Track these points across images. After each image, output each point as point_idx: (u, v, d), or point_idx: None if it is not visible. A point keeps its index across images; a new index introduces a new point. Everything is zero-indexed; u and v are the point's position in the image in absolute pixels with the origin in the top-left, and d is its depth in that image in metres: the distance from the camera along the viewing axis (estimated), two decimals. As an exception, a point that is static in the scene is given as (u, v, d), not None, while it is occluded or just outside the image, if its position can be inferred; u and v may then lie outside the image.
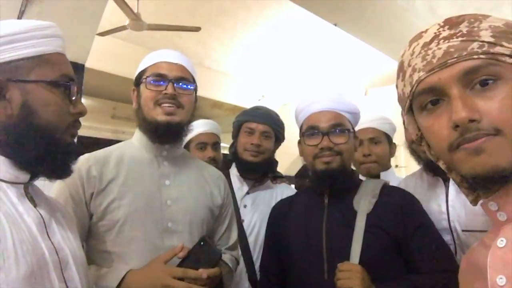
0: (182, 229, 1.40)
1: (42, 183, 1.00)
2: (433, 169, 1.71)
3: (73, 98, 0.95)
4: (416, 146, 1.72)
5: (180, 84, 1.43)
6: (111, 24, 5.14)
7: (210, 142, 2.37)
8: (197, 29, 5.27)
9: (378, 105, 6.93)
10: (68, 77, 0.95)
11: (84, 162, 1.36)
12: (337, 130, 1.50)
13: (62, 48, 0.98)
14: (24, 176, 0.90)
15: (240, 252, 1.74)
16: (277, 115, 2.18)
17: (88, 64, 3.04)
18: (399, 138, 2.27)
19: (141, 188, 1.38)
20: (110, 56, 6.18)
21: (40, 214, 0.91)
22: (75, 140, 1.01)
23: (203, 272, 1.25)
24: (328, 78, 7.90)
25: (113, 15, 5.03)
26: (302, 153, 1.60)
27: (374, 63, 7.26)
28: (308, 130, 1.53)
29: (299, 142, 1.61)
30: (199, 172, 1.57)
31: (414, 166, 1.98)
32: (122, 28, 5.04)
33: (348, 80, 7.98)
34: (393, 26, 5.23)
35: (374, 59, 6.98)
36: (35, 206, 0.92)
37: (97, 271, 1.28)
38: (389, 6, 4.80)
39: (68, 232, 1.01)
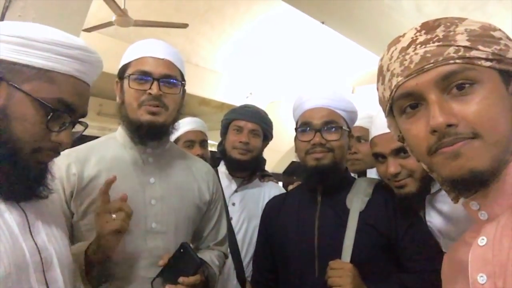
0: (167, 230, 1.36)
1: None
2: None
3: (60, 127, 0.88)
4: None
5: (166, 82, 1.34)
6: (98, 20, 5.09)
7: (198, 139, 2.36)
8: (184, 25, 5.24)
9: (365, 103, 6.97)
10: (64, 104, 0.87)
11: (63, 159, 1.29)
12: (330, 127, 1.49)
13: (82, 74, 0.92)
14: None
15: (228, 248, 1.74)
16: (265, 113, 2.18)
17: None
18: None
19: (123, 187, 1.31)
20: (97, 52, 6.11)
21: (24, 212, 0.88)
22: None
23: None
24: (315, 76, 7.93)
25: (99, 11, 4.98)
26: (296, 149, 1.61)
27: (361, 61, 7.30)
28: (302, 126, 1.53)
29: (295, 138, 1.61)
30: (187, 168, 1.52)
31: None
32: (109, 24, 4.99)
33: (336, 78, 8.02)
34: (380, 25, 5.26)
35: (361, 57, 7.02)
36: (18, 203, 0.88)
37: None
38: (376, 5, 4.83)
39: (55, 231, 0.97)
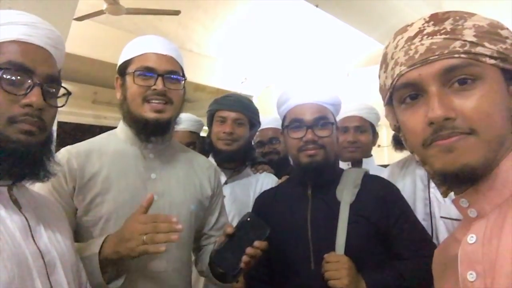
0: None
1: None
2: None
3: (26, 91, 0.87)
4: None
5: (170, 78, 1.36)
6: (89, 7, 5.02)
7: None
8: (176, 12, 5.18)
9: (360, 86, 6.96)
10: (14, 64, 0.87)
11: (64, 154, 1.31)
12: (322, 124, 1.50)
13: (27, 36, 0.90)
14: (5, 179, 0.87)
15: None
16: (249, 101, 2.17)
17: (67, 49, 2.96)
18: (382, 119, 2.31)
19: (125, 183, 1.34)
20: (89, 40, 6.05)
21: (25, 217, 0.88)
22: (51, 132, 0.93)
23: (176, 223, 1.15)
24: (310, 60, 7.89)
25: (90, -1, 4.92)
26: (286, 145, 1.61)
27: (356, 44, 7.26)
28: (293, 123, 1.53)
29: (282, 133, 1.62)
30: (188, 163, 1.53)
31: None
32: (100, 12, 4.93)
33: (330, 61, 7.98)
34: (374, 7, 5.23)
35: (356, 40, 6.98)
36: (19, 208, 0.89)
37: (79, 246, 1.22)
38: (370, -14, 4.78)
39: (57, 233, 0.98)
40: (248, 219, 1.31)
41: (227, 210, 2.00)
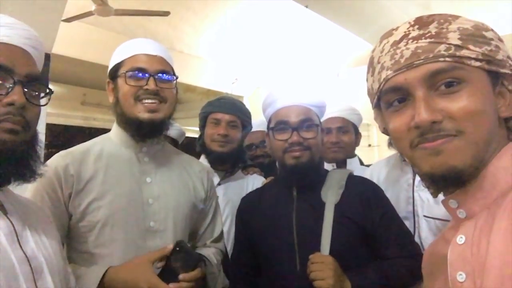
0: (165, 228, 1.37)
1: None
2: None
3: (7, 90, 0.87)
4: None
5: (162, 77, 1.36)
6: (77, 8, 4.98)
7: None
8: (166, 13, 5.15)
9: (350, 87, 6.99)
10: None
11: (60, 160, 1.30)
12: (306, 125, 1.51)
13: (4, 37, 0.90)
14: None
15: (225, 245, 1.75)
16: (242, 104, 2.20)
17: (55, 50, 2.95)
18: (372, 119, 2.33)
19: (121, 187, 1.34)
20: (78, 41, 6.00)
21: (11, 222, 0.87)
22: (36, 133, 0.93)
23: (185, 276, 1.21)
24: (300, 60, 7.91)
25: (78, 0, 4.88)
26: (271, 147, 1.62)
27: (346, 44, 7.29)
28: (278, 125, 1.54)
29: (267, 135, 1.62)
30: (182, 167, 1.53)
31: (386, 146, 2.08)
32: (89, 13, 4.89)
33: (320, 62, 8.00)
34: (364, 8, 5.25)
35: (346, 40, 7.01)
36: (5, 213, 0.88)
37: (75, 271, 1.20)
38: (360, -13, 4.80)
39: (44, 238, 0.97)
40: (177, 248, 1.26)
41: (221, 211, 2.01)
